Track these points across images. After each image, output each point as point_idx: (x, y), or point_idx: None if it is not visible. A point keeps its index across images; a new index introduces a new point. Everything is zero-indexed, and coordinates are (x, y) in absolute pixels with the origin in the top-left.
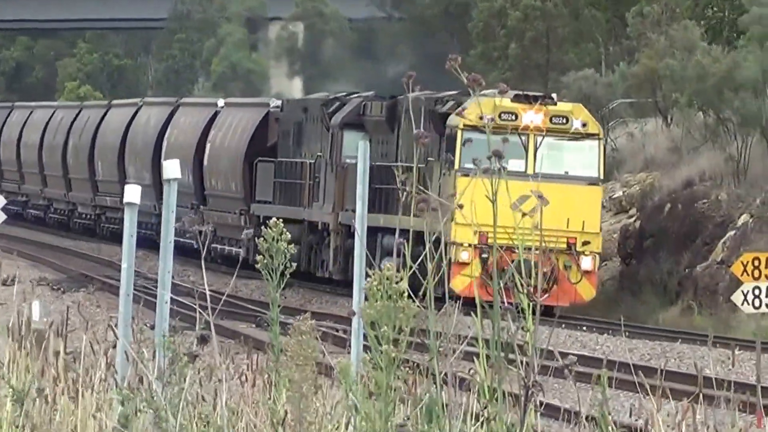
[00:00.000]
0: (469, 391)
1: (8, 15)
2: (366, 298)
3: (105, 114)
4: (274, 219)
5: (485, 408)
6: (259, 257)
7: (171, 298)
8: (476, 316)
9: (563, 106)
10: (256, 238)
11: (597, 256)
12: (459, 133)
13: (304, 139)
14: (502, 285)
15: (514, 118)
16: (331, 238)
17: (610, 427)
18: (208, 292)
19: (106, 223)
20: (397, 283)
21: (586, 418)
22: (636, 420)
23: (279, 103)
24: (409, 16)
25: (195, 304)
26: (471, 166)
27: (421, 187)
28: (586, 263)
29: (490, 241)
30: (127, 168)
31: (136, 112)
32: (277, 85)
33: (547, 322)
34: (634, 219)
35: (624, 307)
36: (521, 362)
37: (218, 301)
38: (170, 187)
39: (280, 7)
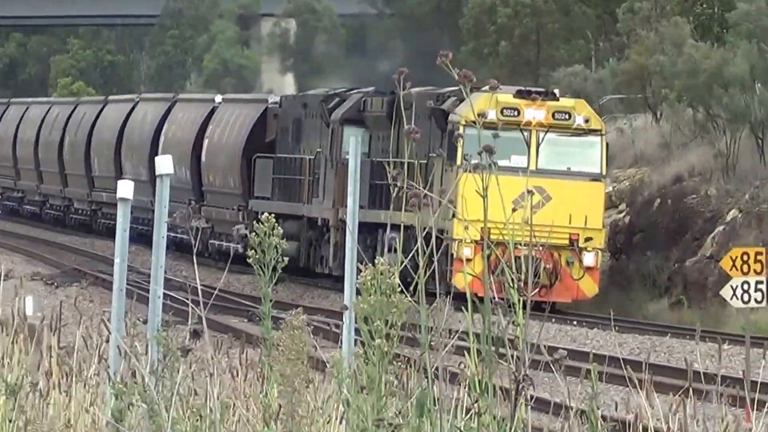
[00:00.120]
0: (460, 385)
1: (1, 12)
2: (359, 293)
3: (101, 110)
4: (266, 214)
5: (476, 402)
6: (250, 252)
7: (164, 293)
8: (467, 311)
9: (565, 102)
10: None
11: (599, 252)
12: (461, 129)
13: (303, 135)
14: (492, 280)
15: (516, 113)
16: (331, 234)
17: (599, 422)
18: (200, 287)
19: (102, 219)
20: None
21: (576, 412)
22: (626, 414)
23: (277, 99)
24: (400, 13)
25: (187, 299)
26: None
27: (421, 184)
28: (589, 259)
29: (491, 236)
30: (123, 164)
31: (132, 108)
32: (268, 81)
33: (538, 316)
34: (623, 214)
35: (613, 301)
36: (512, 356)
37: (210, 295)
38: (163, 182)
39: (273, 4)
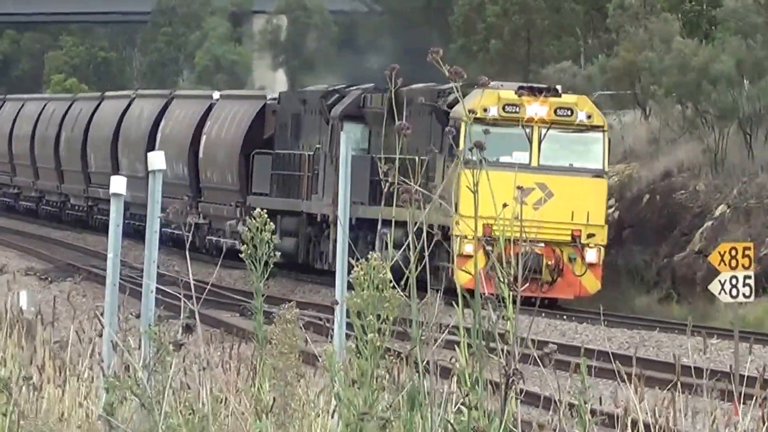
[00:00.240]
0: (451, 379)
1: None
2: (350, 288)
3: (98, 106)
4: (258, 209)
5: (466, 396)
6: (242, 247)
7: (156, 287)
8: (457, 306)
9: (568, 98)
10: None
11: (602, 248)
12: (462, 125)
13: (302, 132)
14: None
15: (518, 110)
16: (331, 230)
17: (588, 415)
18: (192, 282)
19: (99, 215)
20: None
21: (566, 405)
22: (614, 408)
23: (276, 95)
24: (390, 10)
25: (180, 294)
26: (476, 158)
27: (420, 180)
28: (591, 256)
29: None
30: (120, 160)
31: (129, 105)
32: (260, 78)
33: (528, 311)
34: (613, 210)
35: (603, 296)
36: (502, 351)
37: (203, 290)
38: (155, 178)
39: (265, 1)
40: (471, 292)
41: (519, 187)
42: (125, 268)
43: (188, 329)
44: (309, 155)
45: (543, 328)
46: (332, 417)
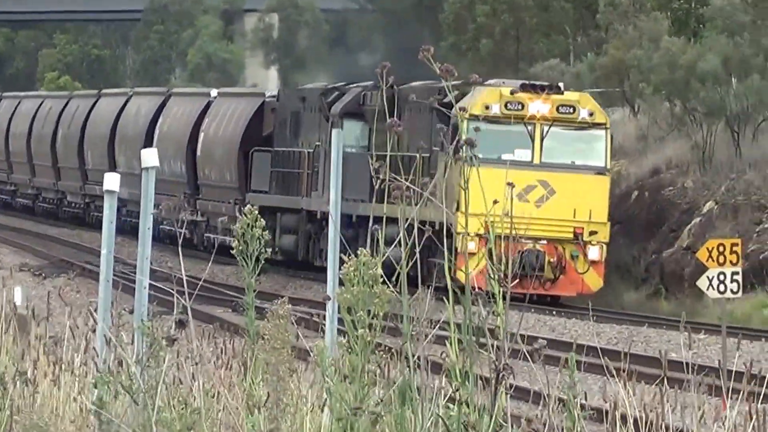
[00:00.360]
0: (441, 374)
1: None
2: (341, 284)
3: (94, 103)
4: (248, 206)
5: (457, 391)
6: (234, 243)
7: (149, 283)
8: (448, 302)
9: (570, 96)
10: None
11: (604, 245)
12: (465, 123)
13: (301, 129)
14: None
15: (520, 107)
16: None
17: (577, 410)
18: (185, 278)
19: (95, 212)
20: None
21: (555, 400)
22: (603, 403)
23: (275, 92)
24: (382, 8)
25: (173, 290)
26: (479, 155)
27: (421, 177)
28: (594, 253)
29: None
30: (117, 157)
31: (126, 102)
32: (252, 75)
33: (518, 307)
34: None
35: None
36: (492, 346)
37: (195, 286)
38: (149, 175)
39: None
40: (454, 286)
41: (509, 184)
42: (119, 265)
43: (181, 325)
44: (309, 152)
45: (532, 324)
46: (322, 411)
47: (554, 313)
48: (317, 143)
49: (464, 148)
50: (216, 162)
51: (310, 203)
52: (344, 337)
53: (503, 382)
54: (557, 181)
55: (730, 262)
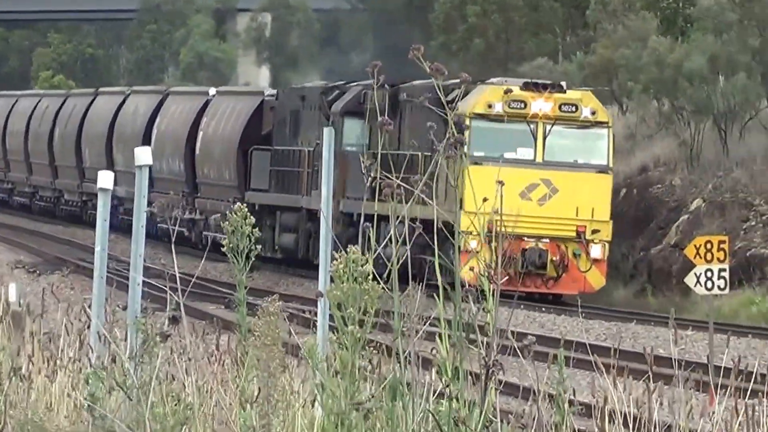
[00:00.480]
0: (432, 370)
1: None
2: (332, 280)
3: (92, 102)
4: (238, 204)
5: (447, 386)
6: (224, 240)
7: (143, 280)
8: (438, 298)
9: (572, 94)
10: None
11: (607, 244)
12: (467, 121)
13: (301, 128)
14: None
15: (523, 106)
16: (332, 225)
17: (565, 405)
18: (178, 275)
19: (92, 210)
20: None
21: (544, 396)
22: (592, 398)
23: (274, 91)
24: (373, 8)
25: (166, 286)
26: (481, 154)
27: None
28: (596, 251)
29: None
30: (115, 156)
31: (123, 101)
32: (244, 74)
33: (507, 303)
34: None
35: None
36: (482, 342)
37: (188, 283)
38: (142, 173)
39: None
40: (444, 282)
41: (499, 182)
42: (112, 262)
43: (174, 321)
44: (309, 151)
45: (522, 320)
46: (313, 407)
47: (543, 309)
48: (317, 142)
49: (458, 146)
50: (215, 160)
51: (311, 202)
52: (335, 333)
53: (493, 377)
54: (560, 180)
55: (718, 259)
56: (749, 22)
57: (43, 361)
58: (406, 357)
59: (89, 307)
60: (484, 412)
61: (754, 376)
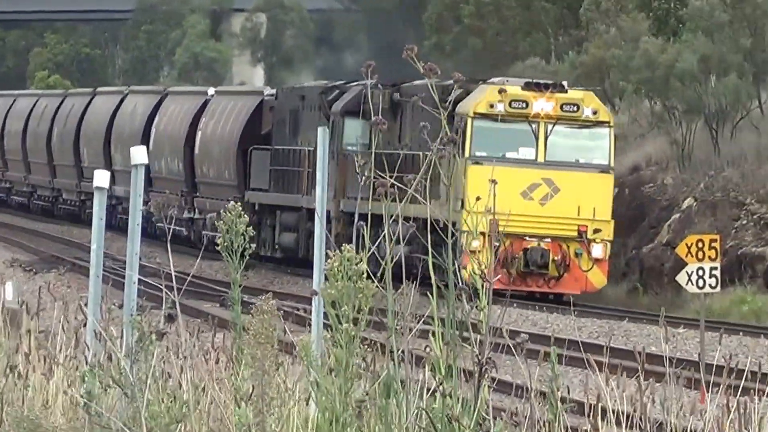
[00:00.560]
0: (425, 367)
1: None
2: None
3: (90, 101)
4: (231, 203)
5: (440, 384)
6: (219, 239)
7: (139, 278)
8: (431, 296)
9: (574, 94)
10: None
11: (608, 243)
12: (469, 121)
13: (301, 127)
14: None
15: (524, 105)
16: (333, 225)
17: (558, 402)
18: (173, 273)
19: (91, 209)
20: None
21: (537, 393)
22: (584, 396)
23: (273, 91)
24: (366, 8)
25: (162, 285)
26: (482, 153)
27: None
28: (597, 251)
29: (502, 229)
30: (113, 155)
31: (122, 100)
32: (239, 74)
33: (499, 301)
34: None
35: None
36: (475, 340)
37: (183, 281)
38: (137, 172)
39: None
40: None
41: (492, 181)
42: (108, 260)
43: (170, 319)
44: (309, 151)
45: (515, 318)
46: (308, 404)
47: (536, 307)
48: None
49: (451, 145)
50: (214, 160)
51: (310, 201)
52: (330, 331)
53: (486, 375)
54: (561, 180)
55: (709, 257)
56: (740, 22)
57: (40, 358)
58: (399, 355)
59: (85, 305)
60: (476, 410)
61: (745, 373)
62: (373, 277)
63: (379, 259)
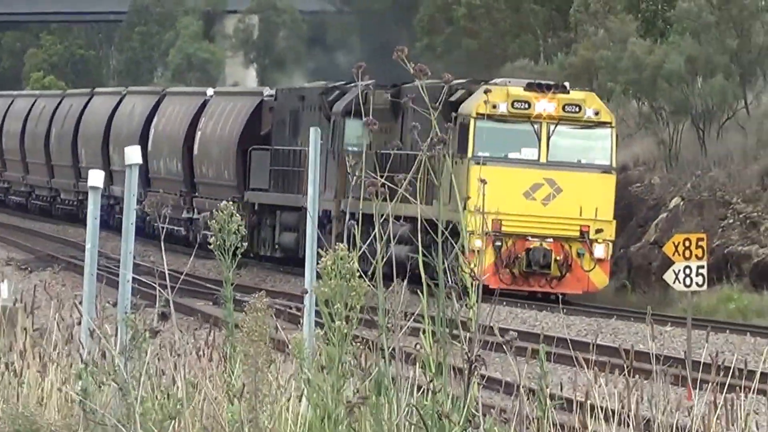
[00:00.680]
0: (416, 364)
1: None
2: (320, 277)
3: (88, 102)
4: (224, 202)
5: (431, 381)
6: (211, 238)
7: (133, 277)
8: (422, 294)
9: (576, 95)
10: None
11: (610, 243)
12: (471, 121)
13: (300, 128)
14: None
15: (527, 106)
16: (333, 225)
17: (547, 399)
18: (167, 272)
19: None
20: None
21: (526, 390)
22: (572, 393)
23: (273, 92)
24: (358, 9)
25: (155, 283)
26: (485, 154)
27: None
28: (599, 251)
29: (503, 228)
30: (111, 155)
31: (120, 101)
32: (232, 75)
33: (489, 300)
34: None
35: None
36: (464, 338)
37: (177, 280)
38: (131, 172)
39: (238, 1)
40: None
41: (482, 180)
42: (102, 259)
43: (163, 317)
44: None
45: (504, 316)
46: (300, 401)
47: (525, 305)
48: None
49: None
50: (213, 160)
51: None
52: (322, 329)
53: (475, 372)
54: (563, 180)
55: (696, 256)
56: (727, 24)
57: (35, 356)
58: (390, 352)
59: (80, 303)
60: (466, 407)
61: (731, 371)
62: (364, 276)
63: (370, 258)
